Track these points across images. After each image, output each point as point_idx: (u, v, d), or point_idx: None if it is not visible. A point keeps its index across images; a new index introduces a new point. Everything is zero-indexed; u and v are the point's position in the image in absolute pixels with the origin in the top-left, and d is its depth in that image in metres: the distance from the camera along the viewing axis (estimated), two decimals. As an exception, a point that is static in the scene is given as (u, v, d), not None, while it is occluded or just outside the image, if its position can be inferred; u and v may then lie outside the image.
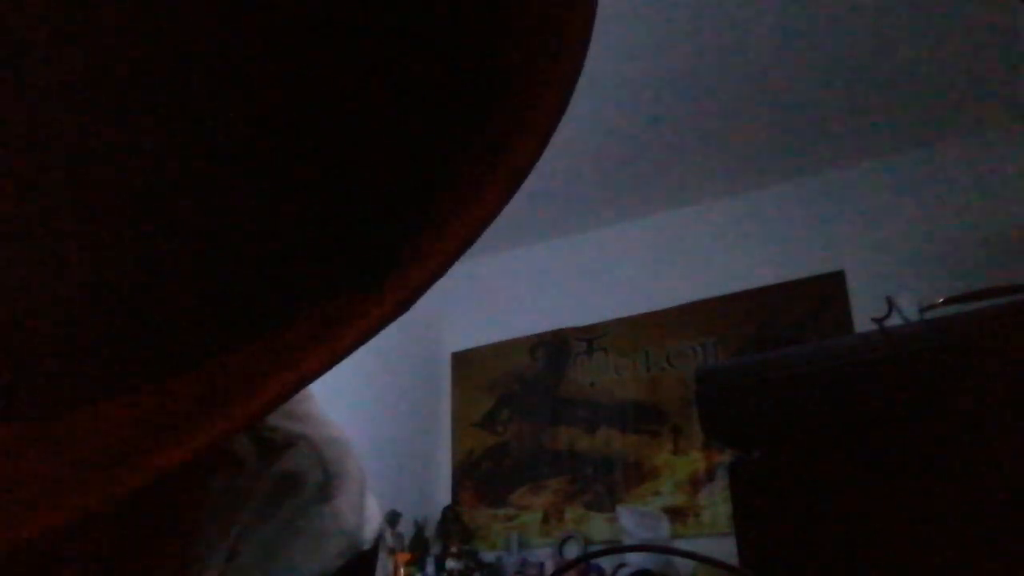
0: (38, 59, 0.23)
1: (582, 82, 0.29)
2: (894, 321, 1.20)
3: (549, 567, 3.26)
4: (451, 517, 3.59)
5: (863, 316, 2.99)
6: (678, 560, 2.81)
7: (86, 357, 0.26)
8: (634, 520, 3.15)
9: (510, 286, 3.92)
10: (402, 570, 3.16)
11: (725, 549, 1.23)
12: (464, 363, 3.98)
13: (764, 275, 3.36)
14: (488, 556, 3.50)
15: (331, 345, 0.23)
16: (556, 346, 3.78)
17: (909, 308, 1.38)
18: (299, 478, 0.38)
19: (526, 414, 3.75)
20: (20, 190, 0.24)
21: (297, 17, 0.26)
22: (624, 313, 3.64)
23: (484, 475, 3.74)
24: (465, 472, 3.78)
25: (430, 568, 3.41)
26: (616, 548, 2.80)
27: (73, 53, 0.23)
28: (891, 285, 2.56)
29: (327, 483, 0.39)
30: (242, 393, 0.23)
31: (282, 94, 0.26)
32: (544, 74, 0.28)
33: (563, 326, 3.77)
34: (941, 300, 1.30)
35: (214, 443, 0.22)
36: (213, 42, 0.24)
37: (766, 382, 1.22)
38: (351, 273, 0.27)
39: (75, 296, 0.25)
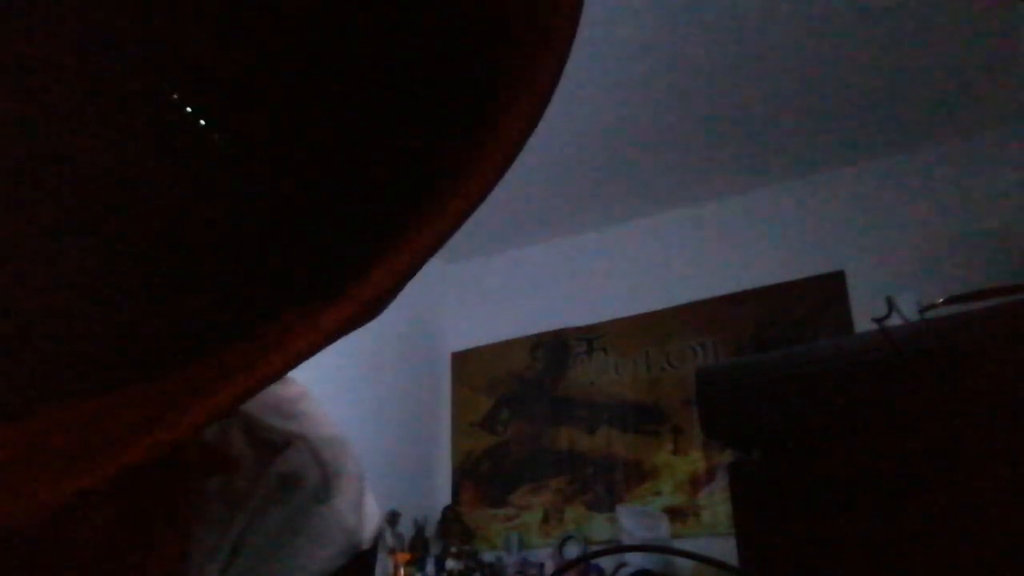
0: (40, 69, 0.22)
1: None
2: (894, 321, 1.20)
3: (549, 567, 3.26)
4: (451, 517, 3.59)
5: (863, 316, 2.99)
6: (678, 560, 2.81)
7: (62, 358, 0.26)
8: (634, 520, 3.15)
9: (510, 286, 3.92)
10: (402, 570, 3.16)
11: (725, 549, 1.23)
12: (464, 363, 3.98)
13: (764, 275, 3.36)
14: (488, 556, 3.50)
15: (308, 333, 0.23)
16: (556, 346, 3.78)
17: (909, 308, 1.38)
18: (297, 478, 0.38)
19: (526, 414, 3.75)
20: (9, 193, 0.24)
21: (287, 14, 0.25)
22: (624, 313, 3.64)
23: (484, 475, 3.74)
24: (465, 472, 3.78)
25: (430, 568, 3.41)
26: (616, 548, 2.80)
27: (70, 62, 0.23)
28: (891, 285, 2.56)
29: (325, 483, 0.39)
30: (210, 390, 0.23)
31: (269, 98, 0.26)
32: (525, 78, 0.28)
33: (563, 326, 3.77)
34: (941, 300, 1.30)
35: (182, 439, 0.22)
36: (188, 41, 0.24)
37: (766, 382, 1.22)
38: (312, 282, 0.27)
39: (52, 303, 0.25)
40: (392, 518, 3.26)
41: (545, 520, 3.53)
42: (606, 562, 2.99)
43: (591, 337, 3.71)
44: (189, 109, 0.24)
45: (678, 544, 3.03)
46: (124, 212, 0.25)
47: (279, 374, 0.23)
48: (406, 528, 3.43)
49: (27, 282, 0.25)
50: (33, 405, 0.26)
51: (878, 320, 1.14)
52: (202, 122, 0.25)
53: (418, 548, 3.43)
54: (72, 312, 0.26)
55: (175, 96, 0.24)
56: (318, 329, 0.23)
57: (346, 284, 0.24)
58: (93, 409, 0.26)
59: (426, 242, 0.24)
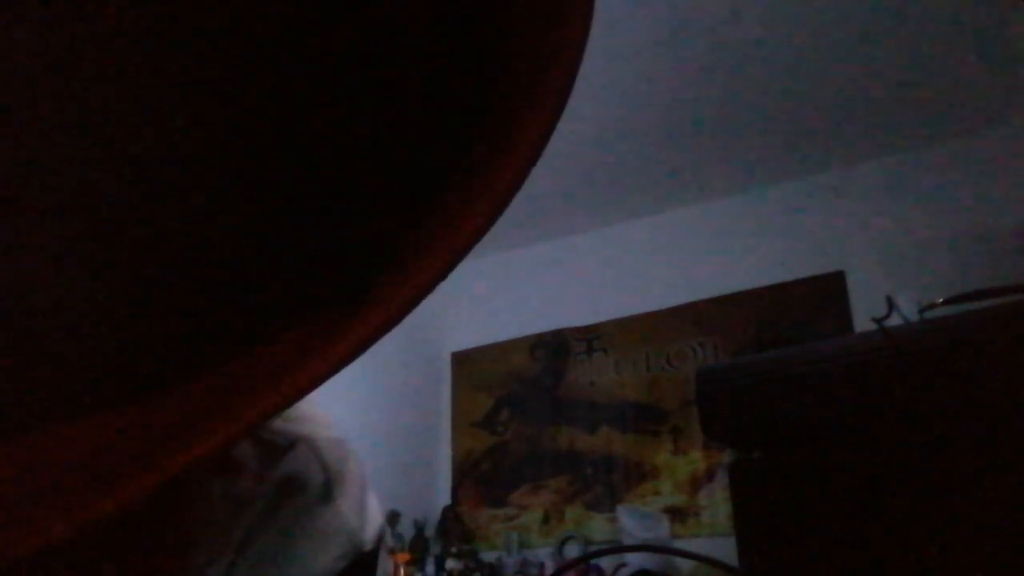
0: (25, 83, 0.22)
1: (581, 82, 0.29)
2: (894, 321, 1.20)
3: (549, 567, 3.26)
4: (451, 517, 3.59)
5: (863, 316, 2.99)
6: (678, 560, 2.81)
7: (68, 371, 0.26)
8: (634, 520, 3.15)
9: (510, 286, 3.92)
10: (402, 570, 3.15)
11: (725, 549, 1.23)
12: (464, 363, 3.98)
13: (764, 275, 3.36)
14: (488, 556, 3.50)
15: (323, 358, 0.23)
16: (556, 346, 3.78)
17: (909, 308, 1.38)
18: (300, 480, 0.38)
19: (526, 414, 3.75)
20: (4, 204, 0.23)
21: (288, 33, 0.25)
22: (624, 313, 3.64)
23: (484, 475, 3.74)
24: (465, 472, 3.78)
25: (430, 568, 3.41)
26: (616, 548, 2.80)
27: (60, 68, 0.22)
28: (891, 285, 2.56)
29: (328, 484, 0.39)
30: (224, 414, 0.23)
31: (272, 104, 0.26)
32: (531, 97, 0.28)
33: (563, 326, 3.77)
34: (941, 300, 1.30)
35: (198, 462, 0.21)
36: (201, 64, 0.24)
37: (766, 382, 1.22)
38: (339, 286, 0.26)
39: (57, 310, 0.25)
40: (392, 518, 3.26)
41: (545, 520, 3.53)
42: (606, 562, 2.99)
43: (591, 337, 3.71)
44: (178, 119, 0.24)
45: (678, 544, 3.03)
46: (121, 220, 0.25)
47: (322, 380, 0.22)
48: (406, 528, 3.43)
49: (20, 292, 0.24)
50: (34, 423, 0.26)
51: (878, 320, 1.14)
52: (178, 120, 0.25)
53: (418, 548, 3.43)
54: (65, 322, 0.25)
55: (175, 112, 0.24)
56: (354, 333, 0.22)
57: (360, 289, 0.24)
58: (103, 426, 0.25)
59: (450, 252, 0.24)
